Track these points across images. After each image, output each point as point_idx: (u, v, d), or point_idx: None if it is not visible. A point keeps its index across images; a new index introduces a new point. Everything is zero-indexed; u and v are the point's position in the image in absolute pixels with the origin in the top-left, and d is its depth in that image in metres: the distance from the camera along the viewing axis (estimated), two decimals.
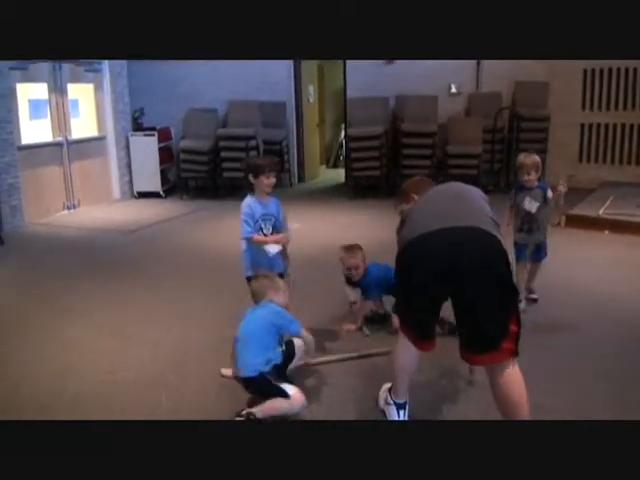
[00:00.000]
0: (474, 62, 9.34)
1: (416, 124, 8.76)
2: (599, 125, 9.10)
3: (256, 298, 3.24)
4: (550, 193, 4.31)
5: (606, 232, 6.46)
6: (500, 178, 9.19)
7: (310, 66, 10.63)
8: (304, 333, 3.22)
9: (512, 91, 9.18)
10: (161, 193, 9.36)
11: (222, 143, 8.94)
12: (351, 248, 4.17)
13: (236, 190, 9.18)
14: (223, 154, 8.99)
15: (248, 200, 3.74)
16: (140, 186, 9.37)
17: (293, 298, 3.49)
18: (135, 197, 9.40)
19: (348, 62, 9.69)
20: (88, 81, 8.90)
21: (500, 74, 9.09)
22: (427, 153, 8.76)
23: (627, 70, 8.78)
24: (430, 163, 8.72)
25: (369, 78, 9.51)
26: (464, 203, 2.62)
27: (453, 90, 9.48)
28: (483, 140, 8.73)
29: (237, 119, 9.13)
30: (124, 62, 9.24)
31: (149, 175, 9.27)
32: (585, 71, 9.02)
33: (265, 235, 3.74)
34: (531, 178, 4.30)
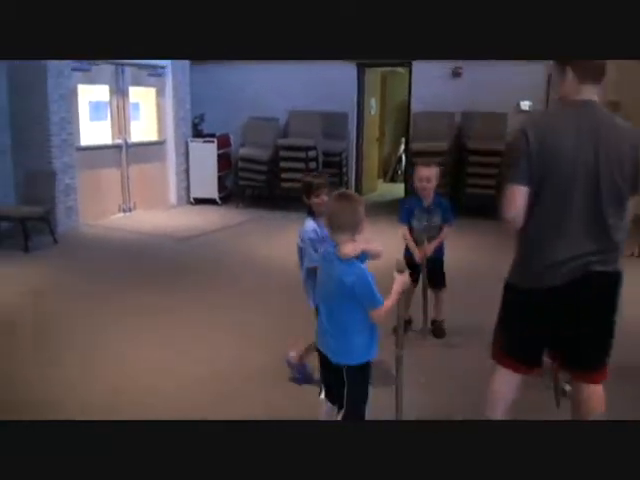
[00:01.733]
0: (544, 80, 8.95)
1: (483, 141, 8.41)
2: None
3: None
4: None
5: None
6: None
7: (374, 77, 10.40)
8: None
9: None
10: (217, 200, 9.25)
11: (282, 153, 8.78)
12: (428, 161, 4.30)
13: (293, 201, 9.05)
14: (282, 164, 8.82)
15: (311, 224, 3.44)
16: (197, 192, 9.29)
17: None
18: (191, 203, 9.31)
19: (414, 74, 9.42)
20: (150, 85, 8.88)
21: None
22: (493, 172, 8.38)
23: None
24: (494, 183, 8.35)
25: (435, 91, 9.21)
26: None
27: (522, 107, 9.09)
28: None
29: (298, 129, 8.96)
30: (187, 68, 9.20)
31: (207, 182, 9.18)
32: None
33: None
34: None
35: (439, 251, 4.31)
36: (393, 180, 12.03)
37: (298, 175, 8.65)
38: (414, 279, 4.03)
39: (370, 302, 2.49)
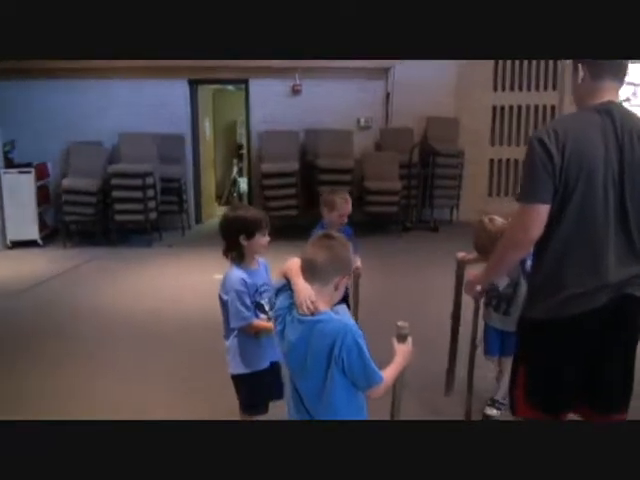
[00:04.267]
0: (383, 96, 8.97)
1: (332, 159, 8.13)
2: (508, 160, 9.06)
3: None
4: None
5: None
6: (416, 214, 8.85)
7: (206, 95, 9.69)
8: None
9: (423, 126, 8.88)
10: (39, 241, 7.86)
11: (114, 181, 7.68)
12: (341, 191, 3.84)
13: (131, 235, 8.02)
14: (115, 194, 7.73)
15: (237, 273, 2.77)
16: (14, 233, 7.78)
17: None
18: (8, 247, 7.79)
19: (252, 92, 8.89)
20: None
21: (409, 110, 8.77)
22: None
23: (536, 107, 8.85)
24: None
25: (275, 110, 8.77)
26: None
27: (362, 123, 9.00)
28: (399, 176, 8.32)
29: (130, 154, 7.92)
30: None
31: (25, 220, 7.74)
32: (494, 107, 8.97)
33: (267, 313, 2.82)
34: None
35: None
36: (228, 204, 11.35)
37: (135, 206, 7.71)
38: None
39: (365, 376, 1.92)
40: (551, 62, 8.63)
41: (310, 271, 1.97)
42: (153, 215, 7.88)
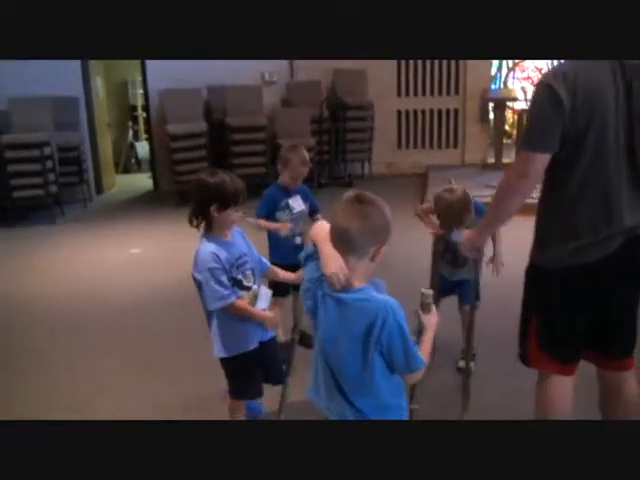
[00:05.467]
0: None
1: (243, 117, 7.79)
2: (415, 111, 9.08)
3: None
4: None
5: None
6: (329, 170, 8.72)
7: None
8: None
9: (330, 79, 8.69)
10: None
11: (8, 154, 6.93)
12: (300, 149, 3.59)
13: (28, 212, 7.33)
14: (11, 168, 6.98)
15: (208, 248, 2.49)
16: None
17: None
18: None
19: None
20: None
21: (314, 62, 8.47)
22: (259, 149, 7.89)
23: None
24: (264, 160, 7.86)
25: (172, 66, 8.13)
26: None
27: (268, 79, 8.66)
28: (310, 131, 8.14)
29: (23, 121, 7.14)
30: None
31: None
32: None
33: (249, 289, 2.59)
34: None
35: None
36: (127, 171, 10.69)
37: (34, 180, 7.03)
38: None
39: (406, 362, 1.76)
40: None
41: (343, 242, 1.73)
42: (54, 188, 7.23)
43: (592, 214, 2.09)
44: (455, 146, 9.07)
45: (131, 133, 10.68)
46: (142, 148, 10.27)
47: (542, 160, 2.07)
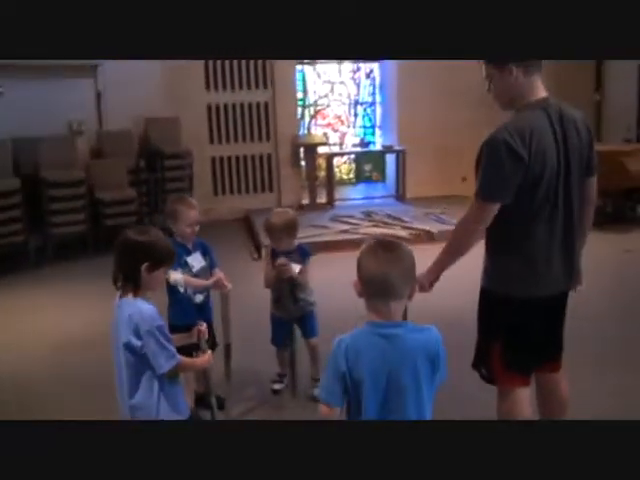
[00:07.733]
0: (94, 96, 8.26)
1: (60, 172, 7.25)
2: (230, 157, 9.20)
3: None
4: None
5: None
6: (149, 221, 8.42)
7: None
8: None
9: (142, 128, 8.48)
10: None
11: None
12: (184, 197, 3.54)
13: None
14: None
15: (147, 306, 2.34)
16: None
17: None
18: None
19: None
20: None
21: (124, 110, 8.24)
22: (79, 205, 7.37)
23: (250, 105, 9.10)
24: (84, 217, 7.37)
25: None
26: None
27: (75, 128, 8.15)
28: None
29: None
30: None
31: None
32: (209, 106, 8.96)
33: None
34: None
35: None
36: None
37: None
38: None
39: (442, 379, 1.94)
40: (261, 61, 8.93)
41: (382, 291, 1.81)
42: None
43: (553, 257, 2.43)
44: (271, 189, 9.36)
45: None
46: None
47: (494, 209, 2.33)
